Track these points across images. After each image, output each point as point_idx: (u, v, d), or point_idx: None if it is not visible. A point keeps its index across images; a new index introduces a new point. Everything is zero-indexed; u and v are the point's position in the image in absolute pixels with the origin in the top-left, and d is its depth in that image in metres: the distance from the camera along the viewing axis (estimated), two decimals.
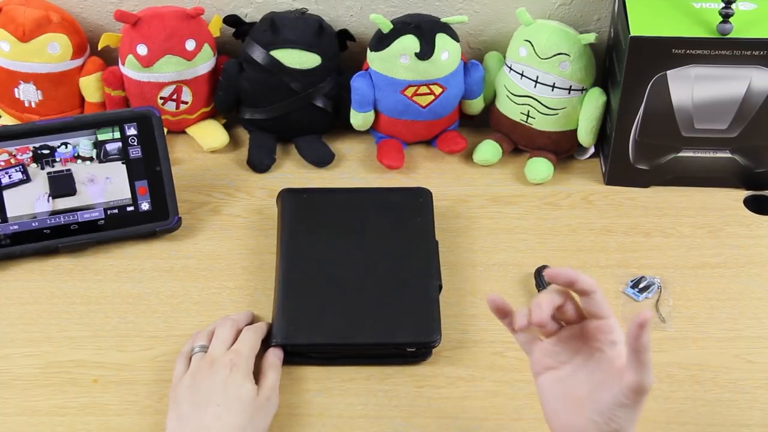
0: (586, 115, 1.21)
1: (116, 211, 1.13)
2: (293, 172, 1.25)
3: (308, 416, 0.97)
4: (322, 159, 1.25)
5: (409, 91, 1.22)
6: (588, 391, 0.79)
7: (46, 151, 1.11)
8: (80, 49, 1.24)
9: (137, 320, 1.06)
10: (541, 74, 1.20)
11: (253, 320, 1.05)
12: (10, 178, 1.11)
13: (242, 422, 0.90)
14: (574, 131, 1.24)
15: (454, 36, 1.21)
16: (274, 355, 0.99)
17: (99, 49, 1.24)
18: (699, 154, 1.19)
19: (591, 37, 1.17)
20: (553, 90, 1.20)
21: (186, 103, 1.25)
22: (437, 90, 1.22)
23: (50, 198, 1.11)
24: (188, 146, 1.28)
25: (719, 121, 1.16)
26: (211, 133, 1.28)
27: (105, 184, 1.12)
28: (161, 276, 1.11)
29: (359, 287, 1.04)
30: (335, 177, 1.24)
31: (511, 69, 1.22)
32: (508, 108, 1.25)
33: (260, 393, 0.94)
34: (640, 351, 0.75)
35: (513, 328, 0.82)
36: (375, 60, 1.22)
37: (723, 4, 1.08)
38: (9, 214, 1.10)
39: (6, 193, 1.10)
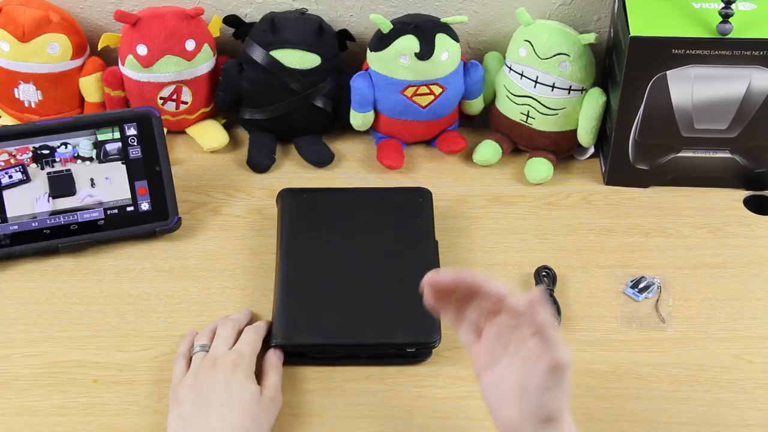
0: (586, 115, 1.21)
1: (116, 211, 1.13)
2: (293, 172, 1.25)
3: (308, 416, 0.97)
4: (322, 159, 1.25)
5: (409, 91, 1.22)
6: (519, 382, 0.78)
7: (46, 151, 1.11)
8: (80, 49, 1.25)
9: (137, 320, 1.06)
10: (541, 74, 1.20)
11: (253, 319, 1.05)
12: (10, 178, 1.11)
13: (246, 423, 0.90)
14: (574, 131, 1.24)
15: (454, 36, 1.21)
16: (275, 356, 0.99)
17: (99, 49, 1.24)
18: (699, 154, 1.19)
19: (591, 37, 1.17)
20: (552, 90, 1.20)
21: (186, 103, 1.25)
22: (437, 90, 1.22)
23: (50, 198, 1.11)
24: (188, 146, 1.28)
25: (719, 121, 1.16)
26: (210, 133, 1.28)
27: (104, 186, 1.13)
28: (161, 276, 1.11)
29: (359, 287, 1.04)
30: (335, 177, 1.24)
31: (510, 69, 1.22)
32: (508, 108, 1.25)
33: (264, 393, 0.94)
34: (542, 329, 0.76)
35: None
36: (375, 60, 1.22)
37: (723, 4, 1.08)
38: (9, 214, 1.10)
39: (6, 193, 1.10)
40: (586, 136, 1.23)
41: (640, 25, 1.10)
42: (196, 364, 0.96)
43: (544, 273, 1.10)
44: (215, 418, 0.89)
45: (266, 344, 1.01)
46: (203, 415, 0.90)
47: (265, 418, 0.92)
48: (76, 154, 1.12)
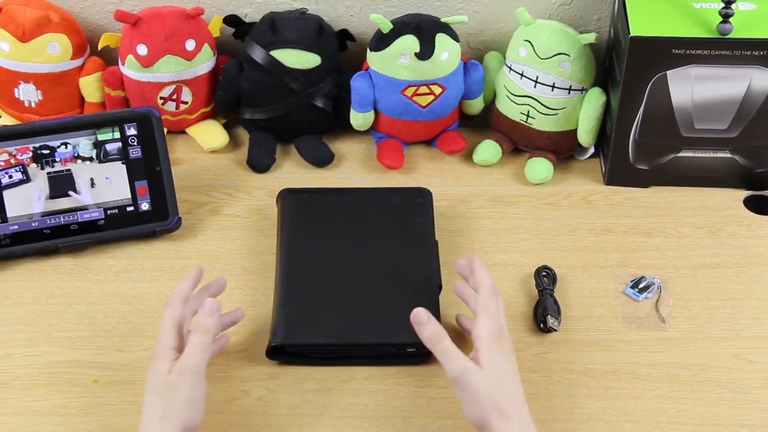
0: (586, 115, 1.21)
1: (116, 211, 1.13)
2: (293, 172, 1.25)
3: (308, 416, 0.97)
4: (322, 159, 1.25)
5: (409, 91, 1.22)
6: None
7: (46, 151, 1.11)
8: (80, 49, 1.25)
9: (137, 320, 1.06)
10: (541, 74, 1.20)
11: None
12: (10, 178, 1.11)
13: (155, 410, 0.86)
14: (574, 131, 1.24)
15: (454, 36, 1.21)
16: (207, 318, 0.90)
17: (99, 49, 1.24)
18: (699, 154, 1.19)
19: (591, 37, 1.17)
20: (552, 90, 1.20)
21: (186, 103, 1.25)
22: (437, 90, 1.22)
23: (50, 198, 1.11)
24: (188, 146, 1.28)
25: (719, 121, 1.16)
26: (211, 133, 1.28)
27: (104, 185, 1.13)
28: (161, 276, 1.11)
29: (359, 287, 1.04)
30: (335, 177, 1.24)
31: (511, 69, 1.22)
32: (508, 108, 1.25)
33: (171, 369, 0.88)
34: (432, 345, 0.90)
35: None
36: (375, 60, 1.22)
37: (723, 4, 1.08)
38: (9, 214, 1.10)
39: (6, 193, 1.10)
40: (586, 136, 1.23)
41: (640, 25, 1.10)
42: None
43: (544, 273, 1.10)
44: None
45: (269, 344, 1.01)
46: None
47: (172, 395, 0.87)
48: (76, 154, 1.12)
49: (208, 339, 0.90)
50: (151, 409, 0.87)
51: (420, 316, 0.91)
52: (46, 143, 1.11)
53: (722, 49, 1.10)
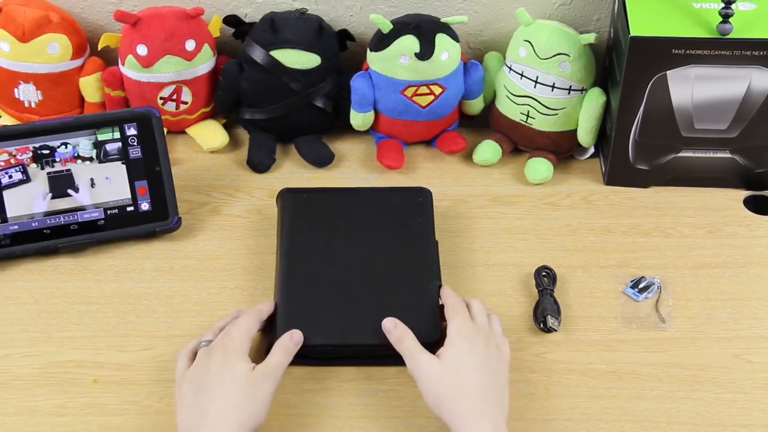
0: (586, 115, 1.21)
1: (116, 211, 1.13)
2: (293, 172, 1.25)
3: (308, 416, 0.97)
4: (322, 159, 1.25)
5: (409, 91, 1.22)
6: None
7: (46, 151, 1.11)
8: (80, 49, 1.25)
9: (137, 320, 1.06)
10: (541, 74, 1.20)
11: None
12: (10, 178, 1.11)
13: (235, 399, 0.90)
14: (574, 131, 1.24)
15: (453, 36, 1.21)
16: (288, 337, 0.98)
17: (99, 49, 1.24)
18: (699, 154, 1.19)
19: (591, 38, 1.17)
20: (552, 90, 1.20)
21: (186, 103, 1.25)
22: (437, 90, 1.22)
23: (50, 198, 1.11)
24: (188, 146, 1.28)
25: (719, 121, 1.16)
26: (210, 133, 1.28)
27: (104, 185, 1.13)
28: (161, 276, 1.11)
29: (359, 287, 1.04)
30: (335, 177, 1.24)
31: (510, 69, 1.22)
32: (508, 108, 1.25)
33: (256, 369, 0.93)
34: (396, 344, 0.97)
35: None
36: (375, 60, 1.22)
37: (723, 4, 1.08)
38: (9, 214, 1.10)
39: (6, 193, 1.10)
40: (586, 136, 1.23)
41: (640, 25, 1.10)
42: (197, 358, 0.96)
43: (544, 273, 1.10)
44: (207, 402, 0.90)
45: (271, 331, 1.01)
46: (198, 402, 0.90)
47: (256, 393, 0.92)
48: (76, 154, 1.12)
49: (288, 359, 0.96)
50: (227, 398, 0.90)
51: (387, 325, 0.98)
52: (46, 143, 1.11)
53: (722, 49, 1.10)
